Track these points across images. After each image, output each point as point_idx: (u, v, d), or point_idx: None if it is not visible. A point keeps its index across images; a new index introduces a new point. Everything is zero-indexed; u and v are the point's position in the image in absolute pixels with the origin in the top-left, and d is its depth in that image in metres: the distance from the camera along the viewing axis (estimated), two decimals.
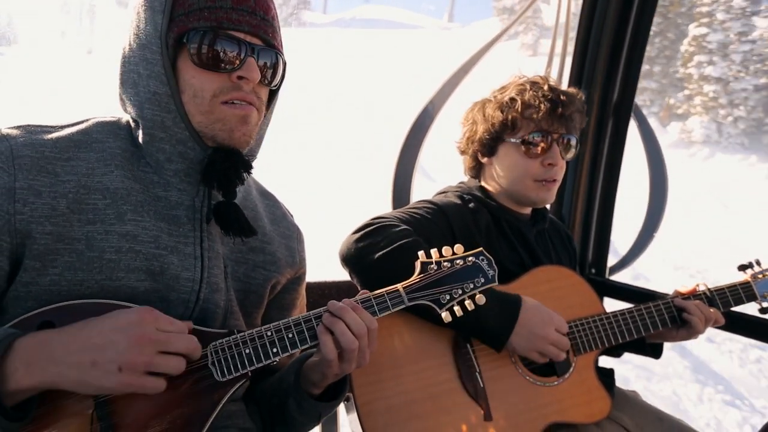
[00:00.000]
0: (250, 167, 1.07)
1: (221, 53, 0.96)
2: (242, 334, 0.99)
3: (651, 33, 2.01)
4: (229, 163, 1.01)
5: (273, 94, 1.11)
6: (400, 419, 1.34)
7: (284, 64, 1.06)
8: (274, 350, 1.00)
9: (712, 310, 1.55)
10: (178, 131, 0.99)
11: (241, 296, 1.14)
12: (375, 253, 1.33)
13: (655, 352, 1.64)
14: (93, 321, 0.86)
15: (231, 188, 1.04)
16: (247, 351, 0.98)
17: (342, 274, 1.69)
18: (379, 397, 1.34)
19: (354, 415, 1.34)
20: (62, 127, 1.02)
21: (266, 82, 1.03)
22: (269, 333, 1.00)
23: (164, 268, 0.99)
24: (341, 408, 1.42)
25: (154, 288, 0.98)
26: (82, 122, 1.05)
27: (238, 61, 0.97)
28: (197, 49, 0.95)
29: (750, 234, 12.32)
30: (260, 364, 0.99)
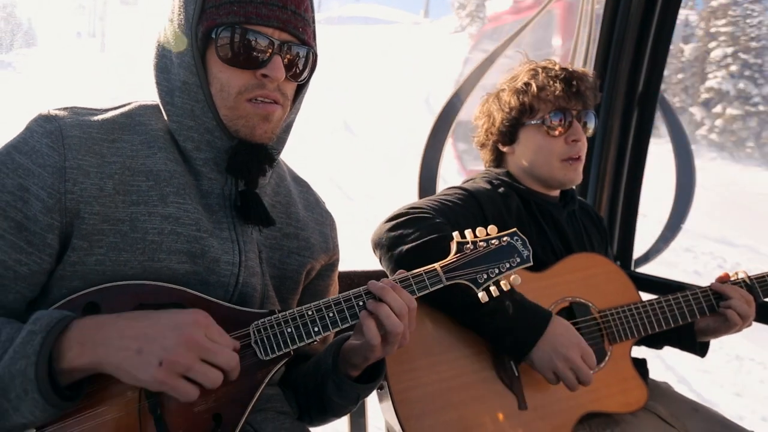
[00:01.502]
0: (273, 160, 1.07)
1: (247, 51, 0.94)
2: (283, 313, 0.99)
3: None
4: (252, 156, 1.01)
5: (302, 85, 1.09)
6: (435, 407, 1.32)
7: (315, 56, 1.04)
8: (316, 329, 0.99)
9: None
10: (206, 120, 0.99)
11: (277, 282, 1.13)
12: (407, 243, 1.33)
13: (703, 350, 1.60)
14: (149, 313, 0.87)
15: (253, 179, 1.04)
16: (289, 330, 0.97)
17: (370, 264, 1.68)
18: (414, 385, 1.32)
19: (388, 403, 1.32)
20: (106, 110, 1.03)
21: (294, 74, 1.01)
22: (310, 312, 0.99)
23: (205, 250, 0.99)
24: (371, 398, 1.40)
25: (194, 270, 0.98)
26: (125, 105, 1.06)
27: (263, 59, 0.96)
28: (224, 45, 0.94)
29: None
30: (302, 343, 0.98)
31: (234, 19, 0.94)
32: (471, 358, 1.39)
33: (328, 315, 1.00)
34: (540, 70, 1.56)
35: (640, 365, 1.60)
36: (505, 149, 1.65)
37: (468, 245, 1.13)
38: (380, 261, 1.41)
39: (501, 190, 1.56)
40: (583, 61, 2.11)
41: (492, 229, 1.16)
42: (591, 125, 1.58)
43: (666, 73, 2.12)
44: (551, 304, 1.47)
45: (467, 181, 1.66)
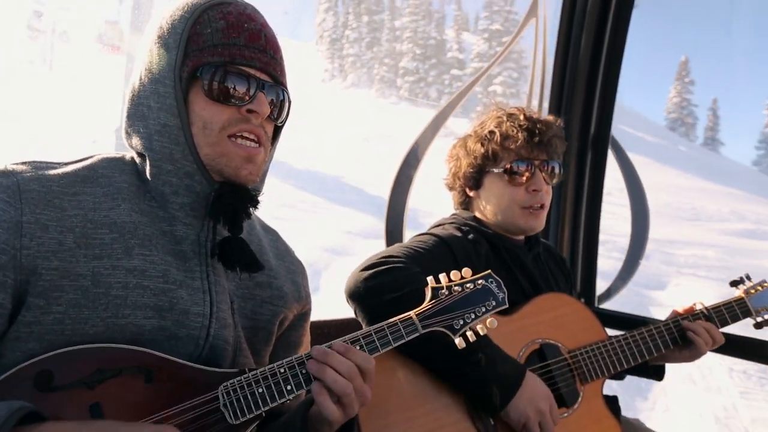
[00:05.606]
0: (257, 202, 1.06)
1: (233, 87, 0.97)
2: (254, 372, 0.94)
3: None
4: (236, 197, 1.00)
5: (277, 131, 1.11)
6: None
7: (290, 101, 1.07)
8: (288, 388, 0.95)
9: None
10: (186, 164, 0.98)
11: (250, 333, 1.09)
12: (384, 294, 1.31)
13: (658, 373, 1.64)
14: (113, 423, 0.81)
15: (237, 223, 1.02)
16: (260, 390, 0.93)
17: (342, 312, 1.65)
18: None
19: None
20: (67, 164, 1.00)
21: (273, 117, 1.04)
22: (282, 370, 0.96)
23: (173, 302, 0.95)
24: None
25: (162, 326, 0.93)
26: (87, 158, 1.03)
27: (248, 96, 0.98)
28: (210, 82, 0.96)
29: None
30: (275, 404, 0.93)
31: (219, 60, 0.97)
32: (447, 409, 1.36)
33: (300, 372, 0.96)
34: (506, 119, 1.59)
35: (612, 402, 1.61)
36: (471, 194, 1.67)
37: (443, 290, 1.11)
38: (355, 311, 1.39)
39: (470, 236, 1.57)
40: (537, 107, 2.20)
41: (466, 272, 1.15)
42: (556, 174, 1.60)
43: None
44: (522, 346, 1.47)
45: (436, 226, 1.68)
